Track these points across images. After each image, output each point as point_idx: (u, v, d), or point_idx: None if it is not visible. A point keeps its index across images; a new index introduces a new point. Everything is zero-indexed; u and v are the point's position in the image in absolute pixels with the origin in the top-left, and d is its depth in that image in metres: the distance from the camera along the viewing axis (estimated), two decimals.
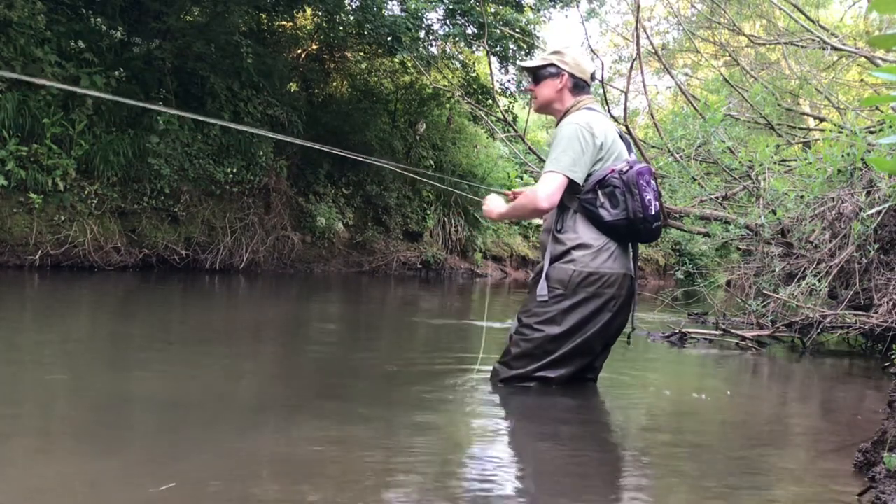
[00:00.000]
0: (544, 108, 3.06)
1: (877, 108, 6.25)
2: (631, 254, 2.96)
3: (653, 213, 2.81)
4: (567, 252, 2.86)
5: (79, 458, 1.93)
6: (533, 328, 2.89)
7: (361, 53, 12.11)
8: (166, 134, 8.45)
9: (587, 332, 2.87)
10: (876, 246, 4.52)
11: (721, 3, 8.93)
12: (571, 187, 2.85)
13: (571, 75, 2.96)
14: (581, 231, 2.86)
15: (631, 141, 3.10)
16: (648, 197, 2.79)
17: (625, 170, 2.80)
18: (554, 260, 2.89)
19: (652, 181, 2.86)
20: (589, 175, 2.84)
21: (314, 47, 11.72)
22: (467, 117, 13.20)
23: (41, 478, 1.75)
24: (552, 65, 2.98)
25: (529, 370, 2.91)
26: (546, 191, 2.81)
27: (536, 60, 3.08)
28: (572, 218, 2.88)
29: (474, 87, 11.83)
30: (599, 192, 2.81)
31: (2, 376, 2.86)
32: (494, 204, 3.13)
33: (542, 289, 2.89)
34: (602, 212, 2.80)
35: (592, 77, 3.06)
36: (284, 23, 11.20)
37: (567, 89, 2.97)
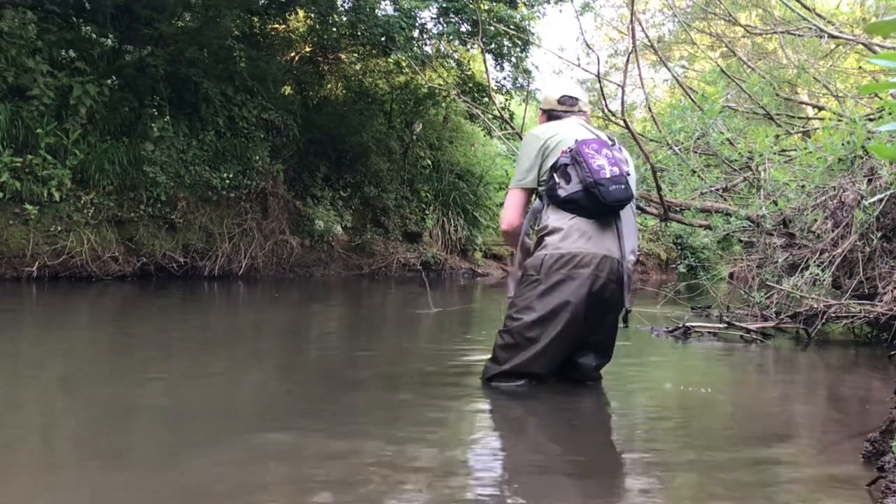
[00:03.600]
0: None
1: (876, 95, 6.20)
2: (616, 234, 2.90)
3: (606, 175, 2.81)
4: (540, 240, 2.94)
5: (81, 469, 1.90)
6: (512, 318, 2.91)
7: (355, 54, 12.08)
8: (161, 141, 8.41)
9: (567, 315, 2.82)
10: (879, 234, 4.48)
11: None
12: (541, 188, 3.00)
13: (543, 110, 3.23)
14: (551, 219, 2.92)
15: (616, 138, 3.11)
16: (599, 162, 2.82)
17: (572, 146, 2.89)
18: (533, 251, 2.98)
19: (604, 149, 2.88)
20: (548, 169, 2.96)
21: (307, 49, 11.69)
22: (464, 116, 13.17)
23: (43, 489, 1.72)
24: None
25: (516, 364, 2.88)
26: (503, 212, 3.11)
27: None
28: (546, 211, 2.97)
29: (470, 85, 11.79)
30: (555, 175, 2.91)
31: (2, 388, 2.83)
32: (517, 255, 3.25)
33: (513, 287, 3.05)
34: (559, 190, 2.87)
35: (564, 100, 3.16)
36: (277, 26, 11.17)
37: (545, 122, 3.21)
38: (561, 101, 3.15)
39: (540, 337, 2.84)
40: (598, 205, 2.82)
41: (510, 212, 3.05)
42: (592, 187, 2.78)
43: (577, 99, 3.16)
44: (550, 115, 3.18)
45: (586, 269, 2.82)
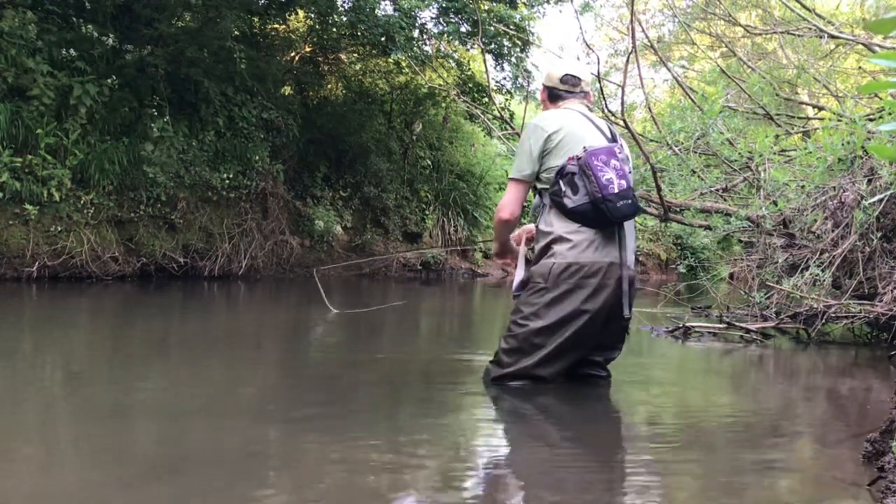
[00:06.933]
0: None
1: (876, 95, 6.19)
2: (619, 241, 2.91)
3: (614, 191, 2.80)
4: (547, 247, 2.92)
5: (79, 469, 1.90)
6: (518, 324, 2.91)
7: (355, 55, 12.07)
8: (161, 141, 8.40)
9: (574, 324, 2.84)
10: (879, 234, 4.48)
11: None
12: (541, 184, 2.97)
13: (545, 87, 3.16)
14: (556, 225, 2.90)
15: (616, 132, 3.08)
16: (608, 176, 2.80)
17: (580, 155, 2.85)
18: (539, 257, 2.95)
19: (612, 160, 2.84)
20: (551, 168, 2.92)
21: (307, 49, 11.68)
22: (464, 116, 13.16)
23: (44, 489, 1.72)
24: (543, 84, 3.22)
25: (520, 367, 2.89)
26: (503, 200, 3.04)
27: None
28: (548, 214, 2.94)
29: (470, 85, 11.78)
30: (561, 182, 2.87)
31: (3, 389, 2.83)
32: (495, 245, 3.27)
33: (517, 284, 3.04)
34: (566, 200, 2.85)
35: (567, 79, 3.10)
36: (277, 26, 11.16)
37: (546, 100, 3.17)
38: (563, 80, 3.10)
39: (546, 344, 2.86)
40: (605, 219, 2.84)
41: (514, 204, 3.00)
42: (601, 203, 2.79)
43: (579, 79, 3.12)
44: (552, 92, 3.12)
45: (594, 278, 2.83)
